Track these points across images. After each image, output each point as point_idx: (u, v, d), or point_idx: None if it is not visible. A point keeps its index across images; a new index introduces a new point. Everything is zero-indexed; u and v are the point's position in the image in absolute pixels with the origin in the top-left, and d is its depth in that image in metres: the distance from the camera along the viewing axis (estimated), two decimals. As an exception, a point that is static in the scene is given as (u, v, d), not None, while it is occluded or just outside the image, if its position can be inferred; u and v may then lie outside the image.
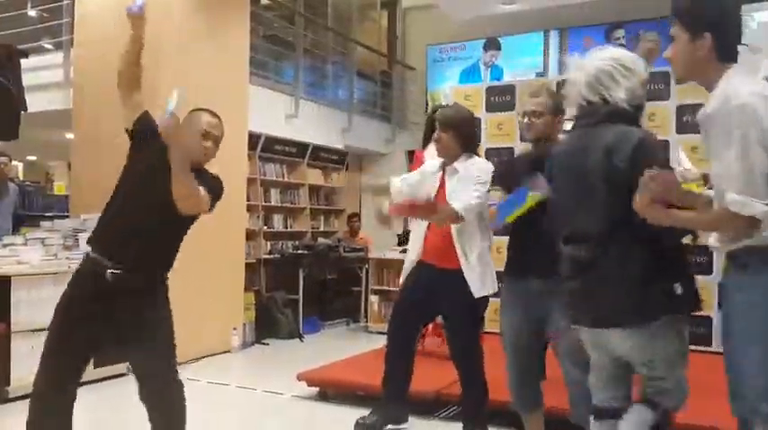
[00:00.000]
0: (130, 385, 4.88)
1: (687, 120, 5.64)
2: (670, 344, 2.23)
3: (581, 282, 2.27)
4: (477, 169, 3.45)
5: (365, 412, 3.80)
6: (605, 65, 2.37)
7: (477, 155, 3.64)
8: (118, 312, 2.70)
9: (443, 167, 3.54)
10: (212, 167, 3.00)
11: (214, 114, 2.95)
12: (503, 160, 3.63)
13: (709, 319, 5.14)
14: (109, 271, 2.67)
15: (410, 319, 3.66)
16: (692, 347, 2.44)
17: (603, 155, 2.22)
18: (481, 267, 3.42)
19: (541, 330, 2.88)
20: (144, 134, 2.86)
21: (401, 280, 3.72)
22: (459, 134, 3.47)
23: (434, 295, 3.49)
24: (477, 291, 3.40)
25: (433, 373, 4.23)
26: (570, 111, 2.70)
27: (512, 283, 2.98)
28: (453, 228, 3.41)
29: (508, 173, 3.11)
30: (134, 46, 2.92)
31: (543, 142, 2.94)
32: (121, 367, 5.25)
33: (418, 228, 3.62)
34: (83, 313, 2.67)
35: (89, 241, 2.81)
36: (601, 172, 2.22)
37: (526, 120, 2.97)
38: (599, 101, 2.33)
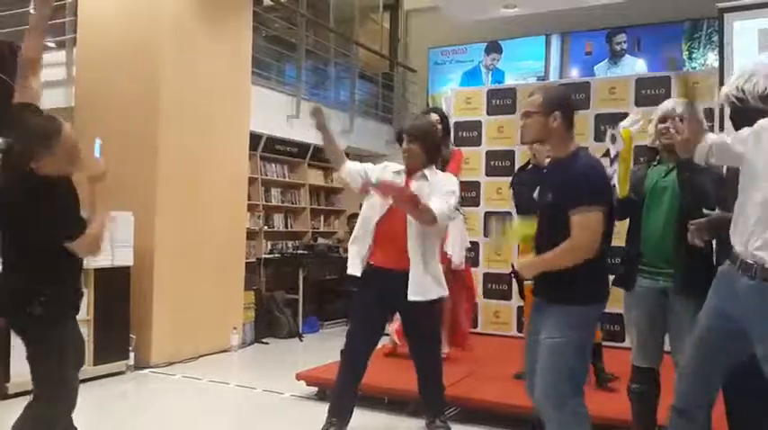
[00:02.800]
0: (130, 382, 4.92)
1: (604, 127, 5.78)
2: None
3: None
4: (446, 180, 3.62)
5: (362, 411, 3.82)
6: None
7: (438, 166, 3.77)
8: None
9: (408, 172, 3.61)
10: (215, 167, 3.03)
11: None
12: (520, 187, 3.63)
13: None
14: None
15: (372, 324, 3.65)
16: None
17: None
18: (433, 271, 3.52)
19: None
20: None
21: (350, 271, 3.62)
22: (426, 145, 3.57)
23: (388, 297, 3.52)
24: (430, 294, 3.50)
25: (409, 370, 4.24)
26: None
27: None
28: (413, 230, 3.45)
29: (526, 201, 3.12)
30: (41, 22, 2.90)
31: (548, 144, 2.79)
32: (121, 365, 5.28)
33: (366, 222, 3.61)
34: None
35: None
36: None
37: (521, 122, 2.84)
38: None
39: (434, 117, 4.73)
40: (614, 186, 2.98)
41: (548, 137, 2.71)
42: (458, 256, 4.96)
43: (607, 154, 3.24)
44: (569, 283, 2.61)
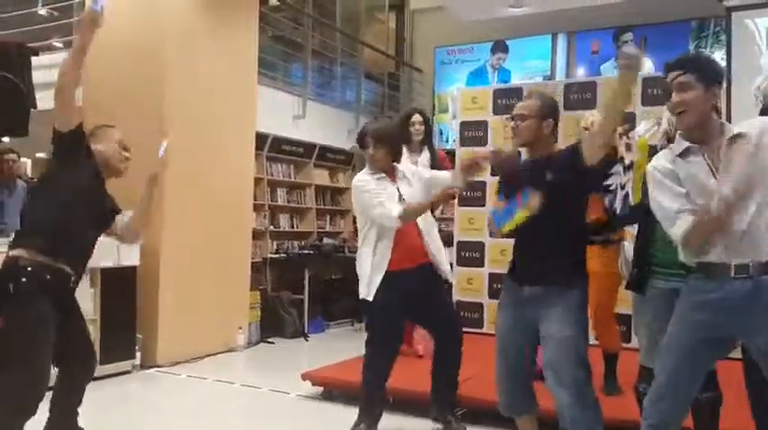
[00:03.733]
0: (136, 382, 4.93)
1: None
2: None
3: None
4: (417, 168, 3.83)
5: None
6: None
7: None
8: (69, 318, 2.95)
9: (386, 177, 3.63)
10: (221, 167, 3.08)
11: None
12: (509, 165, 3.63)
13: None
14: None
15: (400, 329, 3.74)
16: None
17: None
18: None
19: (533, 334, 2.88)
20: (77, 150, 2.97)
21: (369, 294, 3.59)
22: (393, 148, 3.62)
23: (412, 296, 3.56)
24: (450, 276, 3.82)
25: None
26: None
27: (508, 287, 3.00)
28: (424, 225, 3.61)
29: (511, 182, 3.09)
30: (82, 53, 3.00)
31: (534, 147, 2.89)
32: (127, 364, 5.29)
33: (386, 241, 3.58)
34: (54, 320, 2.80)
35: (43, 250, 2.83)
36: None
37: (512, 123, 2.95)
38: None
39: (417, 118, 4.84)
40: (628, 194, 3.01)
41: (538, 141, 2.87)
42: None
43: (620, 161, 3.25)
44: (569, 267, 2.77)
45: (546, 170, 2.79)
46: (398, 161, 3.71)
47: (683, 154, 2.36)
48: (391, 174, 3.65)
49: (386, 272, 3.54)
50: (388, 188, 3.58)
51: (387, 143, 3.58)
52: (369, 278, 3.57)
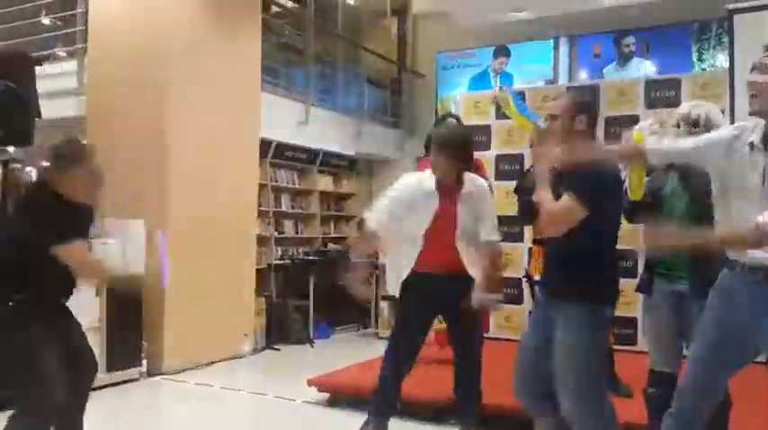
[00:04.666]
0: (142, 389, 4.94)
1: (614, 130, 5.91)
2: None
3: None
4: (488, 199, 3.61)
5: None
6: None
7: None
8: None
9: (442, 187, 3.51)
10: (225, 174, 3.08)
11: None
12: (521, 193, 3.53)
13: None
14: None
15: (421, 331, 3.69)
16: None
17: None
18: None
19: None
20: None
21: (395, 290, 3.62)
22: (455, 155, 3.45)
23: (438, 302, 3.54)
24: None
25: (445, 380, 4.23)
26: None
27: (538, 295, 3.03)
28: (462, 234, 3.49)
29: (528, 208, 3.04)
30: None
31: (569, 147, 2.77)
32: (133, 372, 5.30)
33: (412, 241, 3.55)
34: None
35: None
36: None
37: (545, 125, 2.88)
38: None
39: (452, 122, 4.68)
40: (626, 190, 3.00)
41: (572, 139, 2.73)
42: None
43: None
44: (577, 281, 2.67)
45: (564, 184, 2.71)
46: (467, 169, 3.54)
47: (753, 145, 2.30)
48: (451, 189, 3.50)
49: (411, 272, 3.53)
50: (430, 202, 3.46)
51: (448, 149, 3.43)
52: (399, 274, 3.57)
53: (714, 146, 2.43)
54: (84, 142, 3.13)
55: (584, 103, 2.81)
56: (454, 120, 4.66)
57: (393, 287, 3.66)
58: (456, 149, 3.46)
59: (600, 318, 2.74)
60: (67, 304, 3.03)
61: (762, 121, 2.34)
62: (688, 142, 2.57)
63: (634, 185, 3.04)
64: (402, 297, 3.62)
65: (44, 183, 2.92)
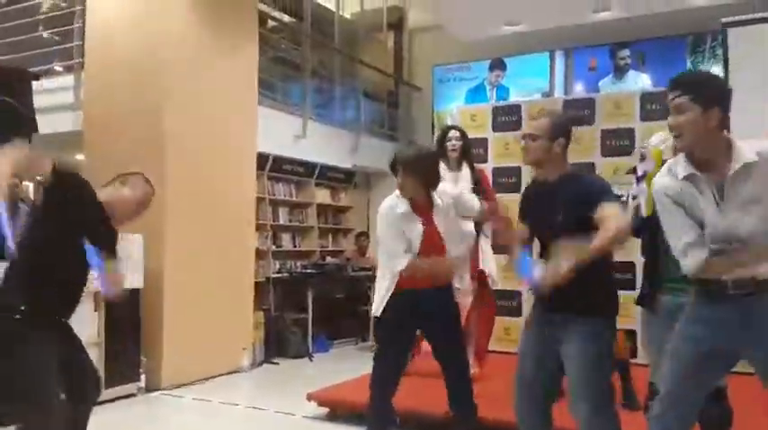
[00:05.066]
0: (141, 405, 4.90)
1: (610, 143, 6.18)
2: None
3: None
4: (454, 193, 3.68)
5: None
6: None
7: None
8: None
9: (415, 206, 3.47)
10: (223, 188, 3.09)
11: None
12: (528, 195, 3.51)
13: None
14: None
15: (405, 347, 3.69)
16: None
17: None
18: None
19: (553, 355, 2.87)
20: None
21: (377, 310, 3.57)
22: (420, 177, 3.42)
23: (422, 315, 3.50)
24: None
25: (443, 393, 4.22)
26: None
27: (535, 308, 3.00)
28: (450, 244, 3.51)
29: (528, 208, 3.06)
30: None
31: (543, 167, 2.86)
32: (132, 387, 5.28)
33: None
34: None
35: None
36: None
37: (523, 142, 2.91)
38: None
39: (454, 134, 4.77)
40: (640, 205, 2.99)
41: (548, 161, 2.82)
42: (495, 273, 4.96)
43: (633, 172, 3.24)
44: (593, 296, 2.73)
45: (556, 206, 2.75)
46: (433, 189, 3.50)
47: (689, 178, 2.31)
48: (425, 207, 3.48)
49: (397, 288, 3.48)
50: (413, 226, 3.43)
51: (415, 172, 3.40)
52: (382, 295, 3.53)
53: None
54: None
55: (564, 125, 2.84)
56: (455, 133, 4.72)
57: (376, 307, 3.60)
58: (424, 172, 3.43)
59: (614, 330, 2.83)
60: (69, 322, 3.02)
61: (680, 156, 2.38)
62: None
63: (649, 200, 3.02)
64: (386, 314, 3.55)
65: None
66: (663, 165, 2.96)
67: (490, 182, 5.00)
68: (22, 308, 2.73)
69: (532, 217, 2.94)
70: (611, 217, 2.62)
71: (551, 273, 2.61)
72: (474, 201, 3.90)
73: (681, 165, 2.34)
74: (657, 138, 3.12)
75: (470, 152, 4.94)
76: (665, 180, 2.38)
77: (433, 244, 3.44)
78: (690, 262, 2.29)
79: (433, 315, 3.50)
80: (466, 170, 4.77)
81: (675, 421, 2.41)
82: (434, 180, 3.50)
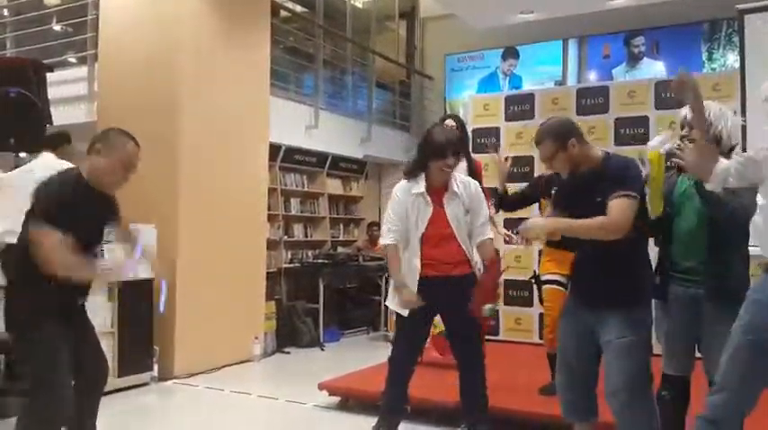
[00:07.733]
0: (153, 394, 4.95)
1: (624, 131, 6.15)
2: None
3: None
4: (477, 194, 3.64)
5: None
6: None
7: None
8: None
9: (432, 189, 3.55)
10: (235, 178, 3.08)
11: (136, 142, 3.14)
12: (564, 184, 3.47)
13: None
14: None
15: (421, 332, 3.75)
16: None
17: None
18: None
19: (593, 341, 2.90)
20: None
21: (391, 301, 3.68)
22: (431, 154, 3.52)
23: (437, 304, 3.56)
24: None
25: (455, 382, 4.22)
26: None
27: (570, 298, 3.08)
28: (459, 233, 3.54)
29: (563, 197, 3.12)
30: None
31: (578, 167, 2.90)
32: (145, 376, 5.32)
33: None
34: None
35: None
36: None
37: (549, 167, 3.08)
38: None
39: (451, 123, 4.66)
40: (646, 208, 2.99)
41: (576, 161, 2.89)
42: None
43: None
44: (632, 288, 2.81)
45: (595, 190, 2.79)
46: (450, 168, 3.54)
47: None
48: (440, 191, 3.56)
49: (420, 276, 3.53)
50: (420, 208, 3.52)
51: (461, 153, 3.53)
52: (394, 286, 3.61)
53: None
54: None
55: (562, 129, 2.88)
56: (452, 122, 4.58)
57: (391, 302, 3.67)
58: (431, 149, 3.52)
59: (650, 318, 2.88)
60: (84, 304, 3.04)
61: None
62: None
63: (653, 203, 3.01)
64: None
65: (76, 168, 3.02)
66: (663, 167, 2.96)
67: (483, 175, 4.96)
68: (35, 294, 2.76)
69: (572, 201, 2.94)
70: (611, 210, 2.70)
71: (532, 222, 2.92)
72: (484, 234, 3.72)
73: None
74: (657, 140, 3.10)
75: (468, 143, 4.96)
76: None
77: (439, 227, 3.51)
78: None
79: (441, 303, 3.54)
80: (462, 162, 4.75)
81: (726, 409, 2.42)
82: (441, 156, 3.52)
